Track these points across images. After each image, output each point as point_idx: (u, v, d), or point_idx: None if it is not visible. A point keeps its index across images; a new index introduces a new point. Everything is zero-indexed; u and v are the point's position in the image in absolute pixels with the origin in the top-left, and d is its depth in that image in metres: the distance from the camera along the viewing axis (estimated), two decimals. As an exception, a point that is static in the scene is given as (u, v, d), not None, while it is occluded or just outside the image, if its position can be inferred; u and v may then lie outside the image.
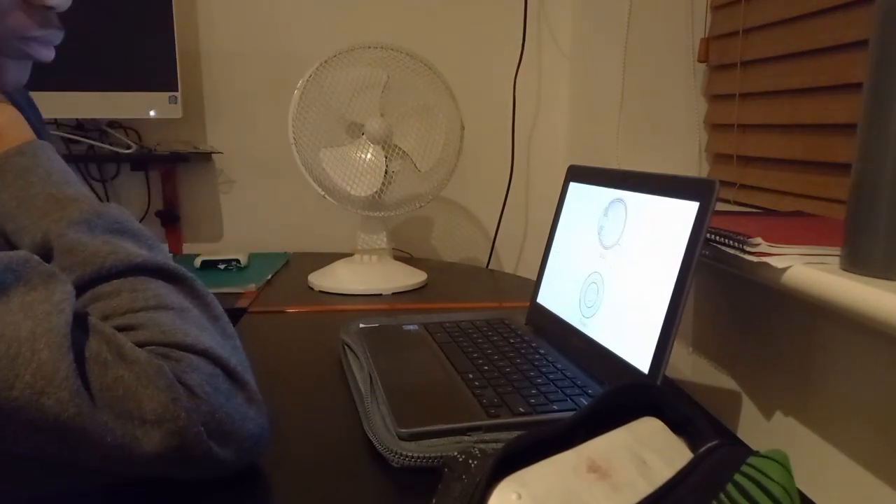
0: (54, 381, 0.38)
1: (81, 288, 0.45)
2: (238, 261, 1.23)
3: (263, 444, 0.48)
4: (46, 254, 0.47)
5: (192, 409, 0.42)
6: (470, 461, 0.34)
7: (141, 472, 0.43)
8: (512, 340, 0.73)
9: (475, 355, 0.68)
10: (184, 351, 0.44)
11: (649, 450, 0.37)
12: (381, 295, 1.07)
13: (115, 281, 0.46)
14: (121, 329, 0.44)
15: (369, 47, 1.07)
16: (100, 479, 0.44)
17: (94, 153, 1.32)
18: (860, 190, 0.46)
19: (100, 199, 1.36)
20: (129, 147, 1.32)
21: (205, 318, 0.48)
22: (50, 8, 0.51)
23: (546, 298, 0.77)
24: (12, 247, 0.49)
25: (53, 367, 0.38)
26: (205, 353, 0.44)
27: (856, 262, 0.47)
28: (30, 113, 0.60)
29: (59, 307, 0.40)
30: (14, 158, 0.50)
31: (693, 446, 0.39)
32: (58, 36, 0.54)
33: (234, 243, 1.43)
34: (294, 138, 1.05)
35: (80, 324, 0.41)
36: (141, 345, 0.43)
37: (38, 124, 0.61)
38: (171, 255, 0.53)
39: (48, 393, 0.38)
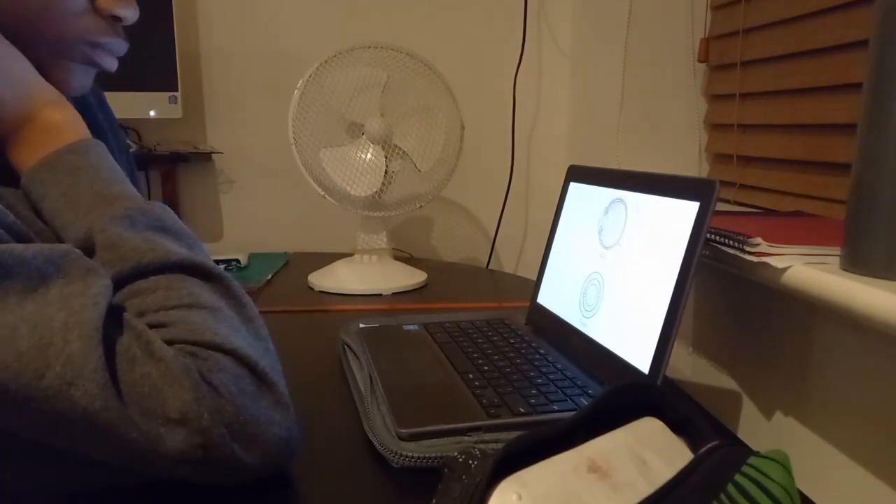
0: (84, 373, 0.38)
1: (120, 283, 0.46)
2: (238, 261, 1.23)
3: (292, 450, 0.47)
4: (90, 249, 0.47)
5: (215, 409, 0.41)
6: (470, 461, 0.34)
7: (165, 473, 0.43)
8: (512, 340, 0.73)
9: (475, 355, 0.68)
10: (212, 350, 0.43)
11: (650, 450, 0.37)
12: (381, 295, 1.07)
13: (153, 277, 0.46)
14: (152, 326, 0.44)
15: (369, 47, 1.07)
16: (131, 478, 0.45)
17: (94, 153, 1.32)
18: (860, 190, 0.46)
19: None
20: (129, 147, 1.32)
21: (238, 318, 0.48)
22: (118, 19, 0.53)
23: (546, 298, 0.77)
24: (62, 242, 0.49)
25: (84, 358, 0.39)
26: (233, 353, 0.44)
27: (856, 262, 0.47)
28: (99, 113, 0.62)
29: (94, 300, 0.40)
30: (65, 156, 0.50)
31: (693, 446, 0.39)
32: (123, 46, 0.55)
33: (234, 243, 1.43)
34: (294, 138, 1.05)
35: (114, 318, 0.42)
36: (170, 342, 0.43)
37: (107, 124, 0.63)
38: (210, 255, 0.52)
39: (77, 384, 0.38)
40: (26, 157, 0.51)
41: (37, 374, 0.38)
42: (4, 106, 0.49)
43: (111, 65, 0.56)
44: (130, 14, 0.53)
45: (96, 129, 0.58)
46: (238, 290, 0.49)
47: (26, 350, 0.38)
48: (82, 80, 0.55)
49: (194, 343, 0.43)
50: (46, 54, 0.51)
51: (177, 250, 0.48)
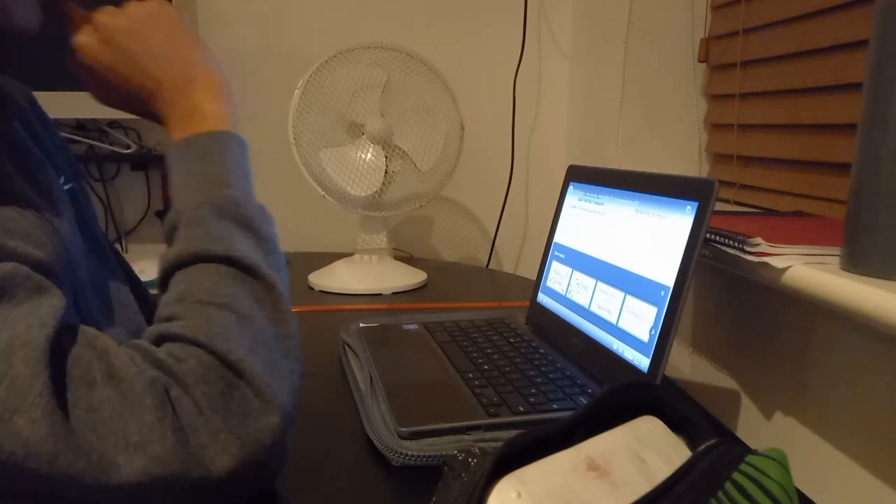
0: (27, 399, 0.36)
1: (180, 262, 0.47)
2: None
3: (270, 471, 0.44)
4: (176, 224, 0.49)
5: (185, 428, 0.39)
6: (470, 459, 0.34)
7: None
8: (512, 340, 0.73)
9: (475, 355, 0.68)
10: (211, 356, 0.41)
11: (649, 448, 0.37)
12: (381, 295, 1.07)
13: (211, 265, 0.46)
14: (180, 317, 0.44)
15: (369, 47, 1.07)
16: None
17: (94, 153, 1.32)
18: (860, 190, 0.47)
19: (100, 199, 1.36)
20: (128, 147, 1.32)
21: (272, 332, 0.46)
22: None
23: (546, 298, 0.77)
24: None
25: (28, 382, 0.36)
26: (234, 365, 0.41)
27: (856, 262, 0.47)
28: (31, 114, 0.59)
29: (41, 321, 0.38)
30: (202, 140, 0.53)
31: (692, 445, 0.39)
32: None
33: (234, 243, 1.43)
34: (294, 138, 1.05)
35: (72, 337, 0.39)
36: (180, 337, 0.42)
37: (40, 125, 0.59)
38: (287, 262, 0.54)
39: (20, 411, 0.36)
40: (175, 128, 0.54)
41: None
42: (167, 84, 0.53)
43: None
44: None
45: (31, 130, 0.56)
46: (285, 304, 0.48)
47: None
48: (26, 9, 0.51)
49: (200, 346, 0.42)
50: None
51: (243, 248, 0.48)
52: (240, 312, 0.45)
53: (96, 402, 0.38)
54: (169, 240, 0.50)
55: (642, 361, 0.56)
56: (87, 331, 0.41)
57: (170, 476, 0.38)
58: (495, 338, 0.73)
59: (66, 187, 0.55)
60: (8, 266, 0.39)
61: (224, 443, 0.40)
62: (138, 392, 0.39)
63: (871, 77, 0.45)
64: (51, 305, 0.39)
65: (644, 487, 0.33)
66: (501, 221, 1.46)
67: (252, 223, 0.51)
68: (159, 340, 0.43)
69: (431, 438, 0.51)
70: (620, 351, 0.59)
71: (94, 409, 0.38)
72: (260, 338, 0.45)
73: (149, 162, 1.36)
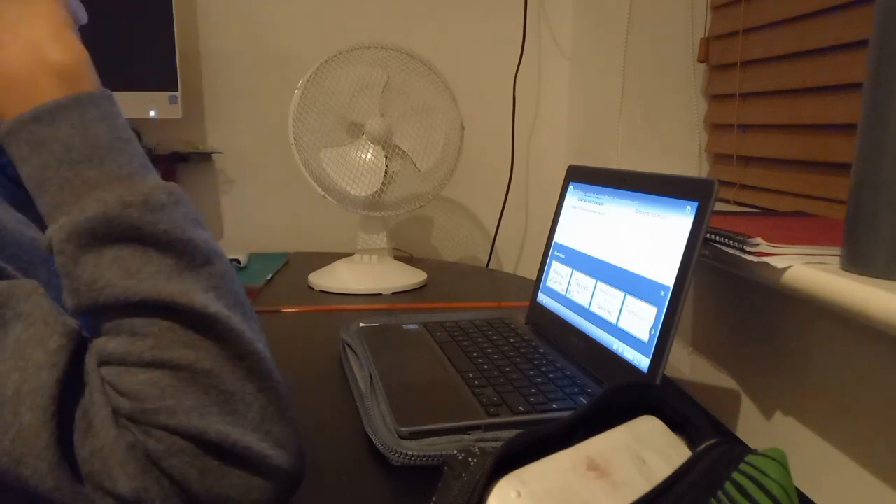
0: (34, 451, 0.35)
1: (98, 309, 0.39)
2: (238, 261, 1.23)
3: (294, 486, 0.42)
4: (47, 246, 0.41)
5: (168, 496, 0.37)
6: (470, 459, 0.34)
7: None
8: (512, 340, 0.73)
9: (475, 354, 0.68)
10: (175, 435, 0.37)
11: (648, 448, 0.37)
12: (381, 295, 1.07)
13: (145, 320, 0.38)
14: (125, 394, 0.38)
15: (369, 47, 1.07)
16: None
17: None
18: (860, 190, 0.47)
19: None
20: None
21: (230, 368, 0.39)
22: None
23: (546, 298, 0.77)
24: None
25: (35, 434, 0.35)
26: (197, 437, 0.37)
27: (856, 262, 0.47)
28: None
29: (52, 360, 0.36)
30: (29, 125, 0.39)
31: (692, 445, 0.39)
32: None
33: (234, 243, 1.43)
34: (294, 138, 1.05)
35: (76, 370, 0.37)
36: (133, 419, 0.37)
37: None
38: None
39: (26, 463, 0.35)
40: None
41: None
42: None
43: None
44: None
45: None
46: (220, 263, 0.41)
47: None
48: None
49: (161, 427, 0.37)
50: None
51: (159, 287, 0.38)
52: (189, 368, 0.38)
53: (88, 453, 0.36)
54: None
55: (642, 361, 0.56)
56: (88, 359, 0.38)
57: None
58: (495, 338, 0.73)
59: None
60: (27, 287, 0.38)
61: (218, 498, 0.38)
62: (121, 457, 0.37)
63: (871, 77, 0.45)
64: (63, 335, 0.37)
65: (644, 487, 0.33)
66: (501, 221, 1.46)
67: (144, 233, 0.39)
68: (113, 362, 0.39)
69: (431, 438, 0.51)
70: (620, 351, 0.59)
71: (86, 460, 0.36)
72: (218, 384, 0.39)
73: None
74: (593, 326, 0.65)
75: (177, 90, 1.24)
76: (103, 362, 0.38)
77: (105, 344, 0.38)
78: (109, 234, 0.38)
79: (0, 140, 0.40)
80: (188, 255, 0.40)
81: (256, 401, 0.40)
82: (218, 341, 0.39)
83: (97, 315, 0.39)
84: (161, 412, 0.37)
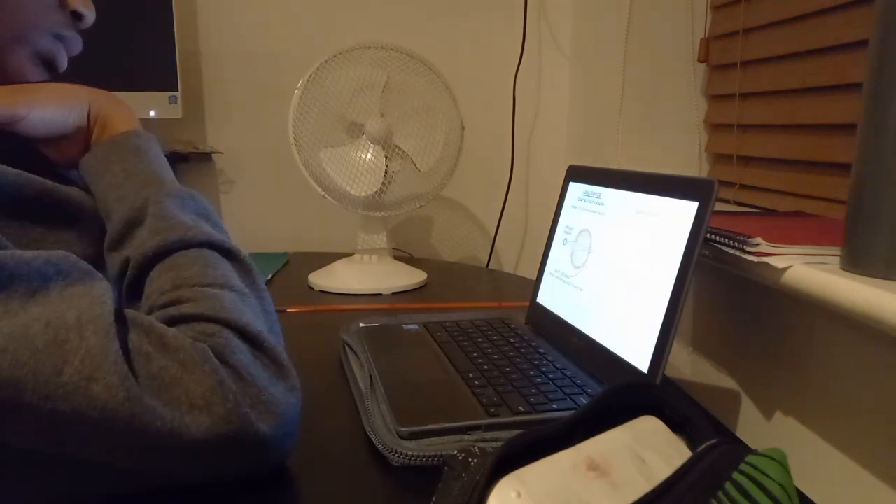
0: (103, 367, 0.38)
1: (163, 252, 0.50)
2: (238, 260, 1.23)
3: (296, 432, 0.48)
4: (140, 217, 0.52)
5: (238, 391, 0.42)
6: (470, 460, 0.34)
7: (186, 466, 0.42)
8: (512, 340, 0.73)
9: (475, 355, 0.68)
10: (234, 331, 0.45)
11: (649, 448, 0.37)
12: (381, 295, 1.07)
13: (193, 251, 0.50)
14: (185, 300, 0.46)
15: (369, 47, 1.07)
16: (132, 484, 0.44)
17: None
18: (860, 190, 0.47)
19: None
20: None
21: (259, 307, 0.50)
22: (78, 15, 0.57)
23: (546, 298, 0.77)
24: (107, 216, 0.55)
25: (102, 352, 0.38)
26: (254, 338, 0.46)
27: (856, 263, 0.47)
28: None
29: (101, 299, 0.41)
30: (132, 139, 0.58)
31: (692, 445, 0.39)
32: (79, 46, 0.59)
33: (234, 243, 1.43)
34: (294, 138, 1.05)
35: (118, 319, 0.41)
36: (199, 317, 0.45)
37: None
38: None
39: (97, 379, 0.38)
40: (86, 146, 0.58)
41: (55, 370, 0.37)
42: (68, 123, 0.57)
43: (62, 64, 0.59)
44: (90, 15, 0.58)
45: None
46: (262, 284, 0.53)
47: (43, 347, 0.37)
48: (34, 78, 0.57)
49: (220, 321, 0.45)
50: (10, 41, 0.54)
51: (217, 234, 0.52)
52: (238, 290, 0.49)
53: (156, 370, 0.41)
54: (122, 237, 0.53)
55: (642, 361, 0.56)
56: (127, 312, 0.43)
57: (230, 434, 0.42)
58: (495, 338, 0.73)
59: None
60: (60, 252, 0.42)
61: (266, 403, 0.44)
62: (197, 359, 0.42)
63: (871, 77, 0.45)
64: (102, 287, 0.42)
65: (644, 487, 0.33)
66: (501, 221, 1.46)
67: (207, 212, 0.56)
68: (172, 323, 0.45)
69: (431, 438, 0.51)
70: (620, 351, 0.59)
71: (154, 376, 0.40)
72: (258, 312, 0.49)
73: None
74: (593, 326, 0.65)
75: (177, 90, 1.24)
76: (178, 285, 0.47)
77: (180, 273, 0.48)
78: (191, 205, 0.55)
79: (102, 148, 0.57)
80: (228, 234, 0.56)
81: (281, 342, 0.50)
82: (256, 289, 0.52)
83: (177, 249, 0.50)
84: (233, 312, 0.46)
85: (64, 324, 0.38)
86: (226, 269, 0.50)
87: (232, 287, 0.49)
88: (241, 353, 0.44)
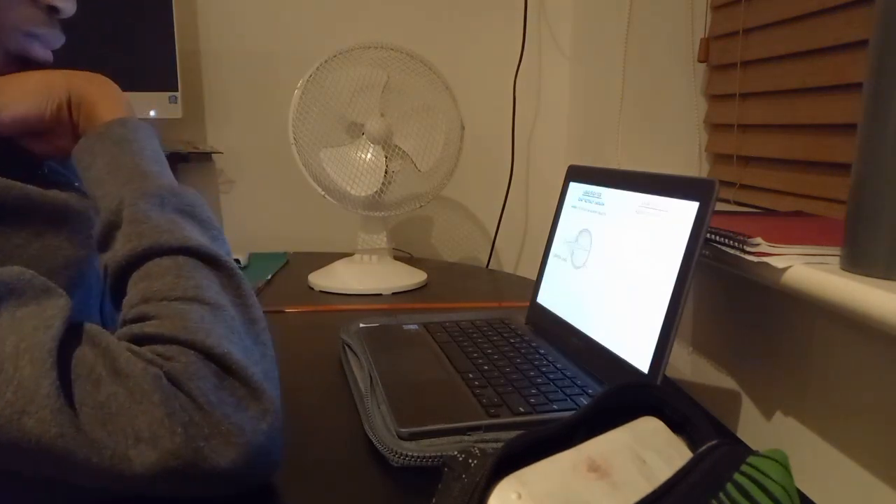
0: (36, 400, 0.37)
1: (136, 259, 0.46)
2: (238, 261, 1.23)
3: (275, 461, 0.45)
4: (117, 221, 0.48)
5: (190, 422, 0.40)
6: (470, 460, 0.34)
7: (137, 492, 0.41)
8: (512, 340, 0.73)
9: (475, 355, 0.68)
10: (198, 352, 0.42)
11: (649, 449, 0.37)
12: (381, 295, 1.07)
13: (167, 259, 0.46)
14: (150, 317, 0.43)
15: (369, 47, 1.07)
16: (99, 495, 0.43)
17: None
18: (860, 190, 0.46)
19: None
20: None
21: (240, 318, 0.47)
22: (54, 9, 0.53)
23: (546, 298, 0.77)
24: (97, 214, 0.52)
25: (35, 384, 0.37)
26: (221, 359, 0.42)
27: (856, 263, 0.47)
28: None
29: (47, 323, 0.39)
30: (115, 128, 0.53)
31: (693, 446, 0.39)
32: (59, 38, 0.55)
33: (234, 243, 1.42)
34: (294, 138, 1.05)
35: (76, 337, 0.40)
36: (161, 338, 0.42)
37: None
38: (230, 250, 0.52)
39: (29, 412, 0.37)
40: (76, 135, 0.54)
41: None
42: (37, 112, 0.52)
43: (45, 57, 0.55)
44: (68, 6, 0.53)
45: None
46: (247, 288, 0.49)
47: None
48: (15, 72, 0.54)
49: (185, 343, 0.42)
50: None
51: (196, 237, 0.48)
52: (210, 303, 0.45)
53: (104, 398, 0.39)
54: (105, 239, 0.49)
55: (642, 361, 0.56)
56: (90, 328, 0.42)
57: (179, 468, 0.39)
58: (495, 338, 0.73)
59: None
60: (14, 268, 0.40)
61: (226, 434, 0.41)
62: (146, 388, 0.39)
63: (871, 77, 0.45)
64: (56, 307, 0.40)
65: (645, 488, 0.33)
66: (501, 221, 1.46)
67: (194, 211, 0.51)
68: (136, 342, 0.43)
69: (431, 439, 0.51)
70: (620, 351, 0.59)
71: (102, 405, 0.38)
72: (233, 326, 0.45)
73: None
74: (594, 327, 0.65)
75: (177, 90, 1.24)
76: (146, 300, 0.44)
77: (149, 284, 0.45)
78: (171, 203, 0.50)
79: (87, 139, 0.53)
80: (216, 232, 0.52)
81: (268, 353, 0.47)
82: (238, 296, 0.48)
83: (149, 257, 0.46)
84: (199, 332, 0.42)
85: (0, 353, 0.37)
86: (200, 279, 0.46)
87: (204, 300, 0.45)
88: (202, 378, 0.41)
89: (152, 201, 0.49)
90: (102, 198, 0.50)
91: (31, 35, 0.53)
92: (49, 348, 0.38)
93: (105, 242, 0.49)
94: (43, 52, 0.55)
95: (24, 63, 0.54)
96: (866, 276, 0.46)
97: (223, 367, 0.42)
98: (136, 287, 0.46)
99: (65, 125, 0.54)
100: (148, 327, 0.43)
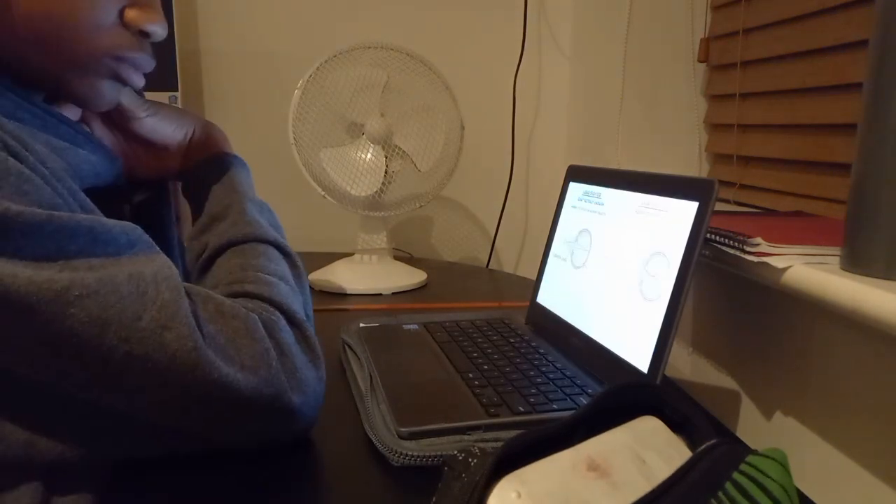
0: (177, 318, 0.43)
1: (238, 240, 0.57)
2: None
3: (317, 415, 0.53)
4: (224, 214, 0.60)
5: (279, 362, 0.48)
6: (470, 460, 0.34)
7: (228, 422, 0.47)
8: (512, 340, 0.73)
9: (475, 355, 0.68)
10: (284, 314, 0.51)
11: (649, 449, 0.37)
12: (381, 295, 1.07)
13: (261, 246, 0.58)
14: (249, 281, 0.53)
15: (369, 47, 1.07)
16: (176, 445, 0.49)
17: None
18: (860, 190, 0.47)
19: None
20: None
21: (304, 304, 0.57)
22: (145, 34, 0.53)
23: (546, 298, 0.77)
24: (196, 211, 0.64)
25: (176, 305, 0.43)
26: (300, 324, 0.52)
27: (856, 262, 0.47)
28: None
29: (167, 264, 0.45)
30: (229, 158, 0.69)
31: (692, 445, 0.39)
32: (150, 63, 0.56)
33: (234, 243, 1.43)
34: (294, 138, 1.05)
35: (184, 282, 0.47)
36: (258, 296, 0.52)
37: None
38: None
39: (170, 328, 0.42)
40: (192, 158, 0.68)
41: (135, 315, 0.41)
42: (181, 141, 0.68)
43: (138, 81, 0.56)
44: (159, 31, 0.54)
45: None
46: (308, 285, 0.61)
47: (126, 294, 0.41)
48: (108, 95, 0.55)
49: (275, 305, 0.52)
50: (72, 68, 0.51)
51: (280, 238, 0.61)
52: (291, 285, 0.56)
53: (213, 331, 0.46)
54: (206, 226, 0.61)
55: (642, 361, 0.56)
56: (187, 284, 0.47)
57: (269, 396, 0.47)
58: (495, 338, 0.73)
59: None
60: (130, 223, 0.46)
61: (297, 381, 0.49)
62: (249, 327, 0.47)
63: (870, 77, 0.45)
64: (164, 258, 0.46)
65: (644, 488, 0.33)
66: (501, 221, 1.46)
67: (275, 220, 0.64)
68: (234, 297, 0.51)
69: (431, 439, 0.51)
70: (620, 351, 0.59)
71: (212, 336, 0.45)
72: (304, 305, 0.56)
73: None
74: (593, 326, 0.65)
75: (177, 90, 1.24)
76: (246, 268, 0.55)
77: (249, 260, 0.56)
78: (266, 214, 0.64)
79: (216, 158, 0.69)
80: (287, 242, 0.62)
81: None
82: (303, 286, 0.59)
83: (248, 241, 0.58)
84: (286, 299, 0.53)
85: (143, 277, 0.43)
86: (283, 267, 0.58)
87: (287, 281, 0.56)
88: (287, 333, 0.50)
89: (254, 206, 0.62)
90: (209, 200, 0.62)
91: (121, 59, 0.53)
92: (179, 282, 0.45)
93: (203, 229, 0.60)
94: (136, 77, 0.56)
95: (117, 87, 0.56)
96: (866, 276, 0.46)
97: (301, 330, 0.52)
98: (231, 261, 0.56)
99: (180, 150, 0.68)
100: (248, 287, 0.52)
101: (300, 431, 0.53)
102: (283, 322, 0.51)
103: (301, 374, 0.50)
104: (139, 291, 0.42)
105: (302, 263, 0.61)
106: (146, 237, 0.46)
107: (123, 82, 0.55)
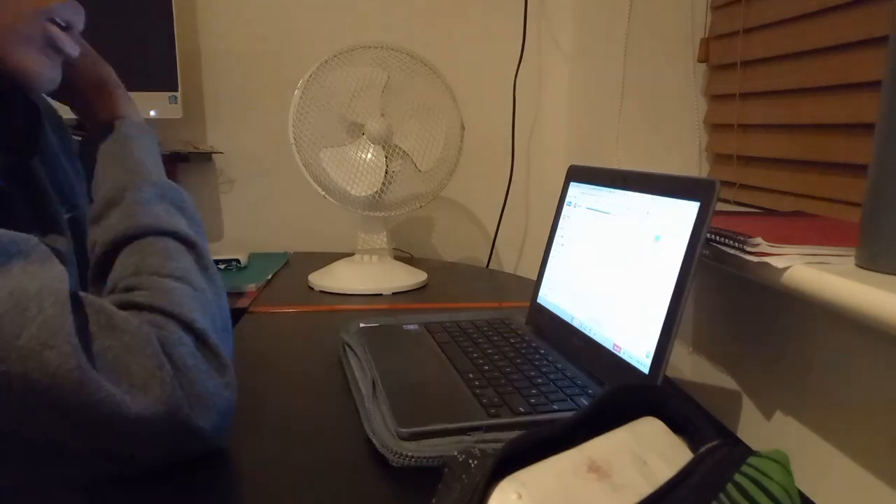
0: (59, 335, 0.40)
1: (131, 236, 0.53)
2: (238, 261, 1.23)
3: (228, 424, 0.51)
4: (119, 198, 0.56)
5: (174, 378, 0.45)
6: (470, 461, 0.34)
7: (120, 444, 0.44)
8: (512, 340, 0.73)
9: (475, 355, 0.68)
10: (180, 325, 0.48)
11: (650, 450, 0.37)
12: (381, 295, 1.07)
13: (159, 240, 0.53)
14: (141, 287, 0.50)
15: (369, 47, 1.07)
16: (87, 468, 0.46)
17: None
18: (877, 186, 0.46)
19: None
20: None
21: (210, 298, 0.53)
22: None
23: (546, 298, 0.77)
24: (94, 193, 0.59)
25: (58, 322, 0.41)
26: (199, 331, 0.49)
27: (874, 260, 0.47)
28: (62, 134, 0.67)
29: (59, 277, 0.43)
30: (130, 128, 0.62)
31: (693, 447, 0.39)
32: (79, 12, 0.56)
33: (234, 243, 1.43)
34: (294, 138, 1.05)
35: (73, 299, 0.44)
36: (151, 307, 0.48)
37: (61, 147, 0.66)
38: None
39: (52, 346, 0.40)
40: (98, 112, 0.63)
41: (14, 334, 0.39)
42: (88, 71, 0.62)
43: (72, 49, 0.56)
44: None
45: (49, 152, 0.63)
46: (219, 281, 0.56)
47: (4, 312, 0.39)
48: (51, 72, 0.55)
49: (168, 314, 0.48)
50: (8, 42, 0.51)
51: (185, 228, 0.56)
52: (193, 285, 0.52)
53: (100, 348, 0.43)
54: (101, 213, 0.56)
55: (643, 362, 0.56)
56: (81, 293, 0.45)
57: (164, 415, 0.45)
58: (495, 338, 0.73)
59: (66, 216, 0.63)
60: (24, 234, 0.44)
61: (197, 396, 0.47)
62: (141, 343, 0.45)
63: (889, 74, 0.45)
64: (60, 270, 0.44)
65: (645, 489, 0.33)
66: (501, 221, 1.46)
67: (183, 204, 0.59)
68: (126, 308, 0.47)
69: (431, 439, 0.51)
70: (621, 352, 0.59)
71: (100, 354, 0.43)
72: (207, 306, 0.52)
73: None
74: (594, 327, 0.65)
75: (177, 90, 1.24)
76: (138, 271, 0.51)
77: (143, 259, 0.52)
78: (168, 196, 0.58)
79: (114, 130, 0.62)
80: (199, 229, 0.58)
81: (228, 326, 0.55)
82: (209, 277, 0.55)
83: (142, 235, 0.53)
84: (184, 307, 0.49)
85: (25, 293, 0.40)
86: (186, 263, 0.54)
87: (188, 282, 0.52)
88: (183, 345, 0.47)
89: (154, 191, 0.57)
90: (103, 180, 0.58)
91: (51, 19, 0.53)
92: (66, 297, 0.42)
93: (98, 218, 0.56)
94: (70, 44, 0.55)
95: (54, 51, 0.55)
96: (886, 273, 0.46)
97: (200, 340, 0.49)
98: (128, 259, 0.52)
99: (107, 93, 0.64)
100: (139, 296, 0.49)
101: (211, 444, 0.50)
102: (178, 333, 0.48)
103: (201, 387, 0.47)
104: (19, 308, 0.40)
105: (209, 255, 0.56)
106: (41, 248, 0.44)
107: (60, 51, 0.55)
